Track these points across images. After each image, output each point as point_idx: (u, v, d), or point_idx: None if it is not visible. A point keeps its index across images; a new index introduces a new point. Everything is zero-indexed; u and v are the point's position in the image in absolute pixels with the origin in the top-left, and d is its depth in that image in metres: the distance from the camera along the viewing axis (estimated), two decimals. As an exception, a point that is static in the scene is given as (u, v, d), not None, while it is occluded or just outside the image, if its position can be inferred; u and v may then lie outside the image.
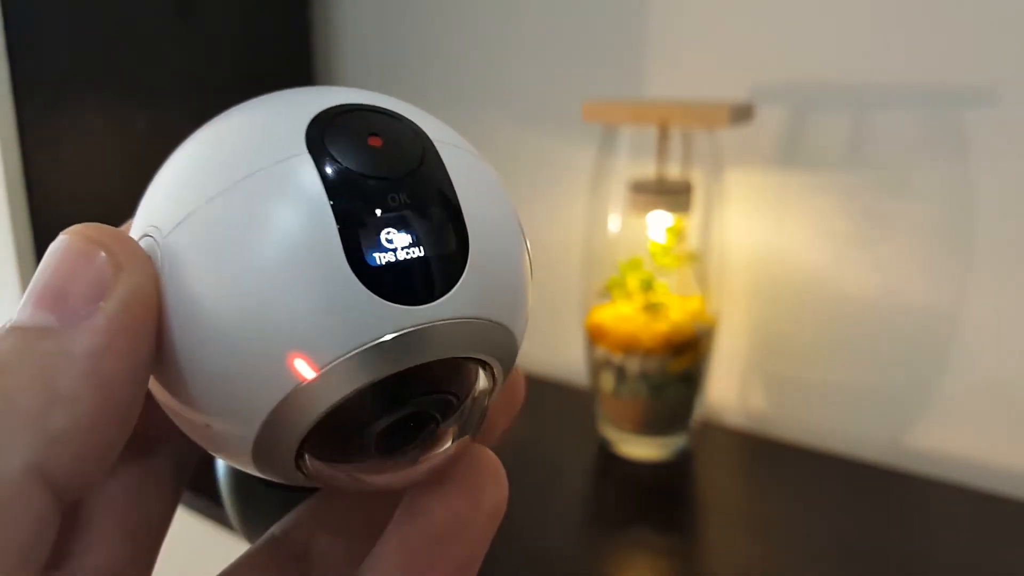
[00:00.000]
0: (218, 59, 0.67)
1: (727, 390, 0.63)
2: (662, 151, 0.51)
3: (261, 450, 0.12)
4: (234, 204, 0.11)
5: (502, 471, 0.14)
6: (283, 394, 0.11)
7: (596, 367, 0.55)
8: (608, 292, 0.54)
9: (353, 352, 0.11)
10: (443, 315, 0.11)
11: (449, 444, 0.13)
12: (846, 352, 0.58)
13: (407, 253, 0.11)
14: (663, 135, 0.51)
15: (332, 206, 0.11)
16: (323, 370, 0.11)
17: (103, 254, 0.11)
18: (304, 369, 0.11)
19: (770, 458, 0.57)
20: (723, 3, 0.57)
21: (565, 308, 0.66)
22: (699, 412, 0.56)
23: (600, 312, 0.55)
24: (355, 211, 0.11)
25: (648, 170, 0.52)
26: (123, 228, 0.14)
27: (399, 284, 0.11)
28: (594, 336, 0.54)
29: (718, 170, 0.54)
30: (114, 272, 0.11)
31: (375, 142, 0.12)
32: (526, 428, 0.59)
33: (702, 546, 0.47)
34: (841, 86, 0.54)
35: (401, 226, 0.11)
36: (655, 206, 0.51)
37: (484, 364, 0.13)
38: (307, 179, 0.11)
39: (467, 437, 0.13)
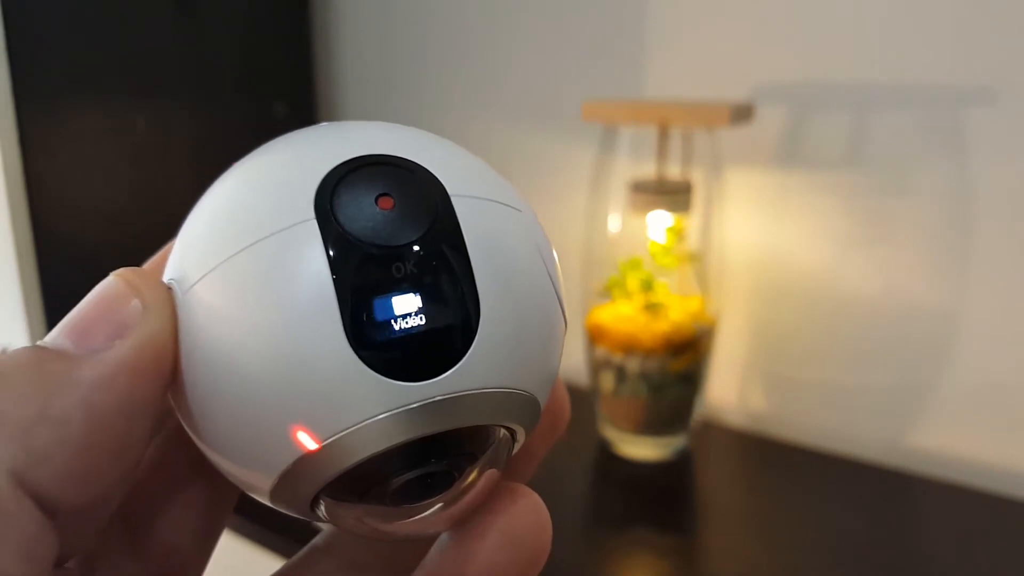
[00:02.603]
0: (218, 59, 0.67)
1: (727, 390, 0.63)
2: (662, 151, 0.51)
3: (278, 500, 0.12)
4: (241, 272, 0.11)
5: (545, 517, 0.14)
6: (289, 462, 0.11)
7: (596, 367, 0.55)
8: (608, 292, 0.54)
9: (354, 427, 0.11)
10: (448, 390, 0.11)
11: (468, 495, 0.13)
12: (846, 352, 0.58)
13: (410, 327, 0.11)
14: (663, 135, 0.51)
15: (334, 280, 0.11)
16: (325, 443, 0.11)
17: (136, 299, 0.12)
18: (307, 441, 0.11)
19: (770, 458, 0.57)
20: (723, 3, 0.57)
21: (565, 308, 0.66)
22: (699, 412, 0.56)
23: (600, 312, 0.55)
24: (357, 284, 0.11)
25: (648, 170, 0.52)
26: (160, 255, 0.14)
27: (401, 360, 0.11)
28: (594, 336, 0.54)
29: (718, 170, 0.54)
30: (137, 315, 0.12)
31: (385, 204, 0.12)
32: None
33: (702, 546, 0.47)
34: (841, 86, 0.54)
35: (404, 298, 0.11)
36: (655, 206, 0.51)
37: (506, 428, 0.13)
38: (311, 249, 0.11)
39: (488, 483, 0.13)
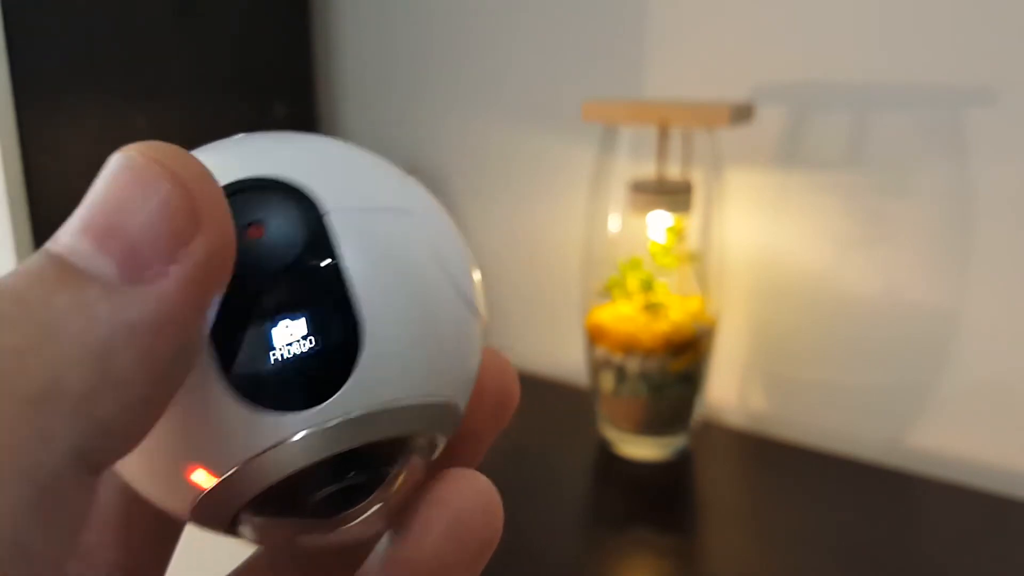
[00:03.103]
0: (218, 59, 0.67)
1: (727, 390, 0.63)
2: (662, 151, 0.51)
3: (201, 526, 0.12)
4: None
5: (495, 502, 0.13)
6: (193, 498, 0.11)
7: (596, 367, 0.55)
8: (608, 292, 0.54)
9: (243, 463, 0.11)
10: (337, 413, 0.11)
11: (391, 500, 0.13)
12: (846, 352, 0.58)
13: (289, 356, 0.11)
14: (663, 135, 0.51)
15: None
16: (221, 479, 0.11)
17: (181, 195, 0.09)
18: (202, 480, 0.11)
19: (770, 458, 0.57)
20: (723, 3, 0.57)
21: (565, 308, 0.66)
22: (699, 412, 0.56)
23: (600, 312, 0.55)
24: (227, 318, 0.11)
25: (648, 170, 0.52)
26: None
27: (281, 391, 0.11)
28: (594, 336, 0.54)
29: (718, 170, 0.54)
30: (192, 226, 0.09)
31: (255, 233, 0.11)
32: (526, 428, 0.59)
33: (702, 546, 0.47)
34: (841, 86, 0.54)
35: (280, 328, 0.11)
36: (655, 206, 0.51)
37: (418, 437, 0.13)
38: None
39: (412, 483, 0.13)
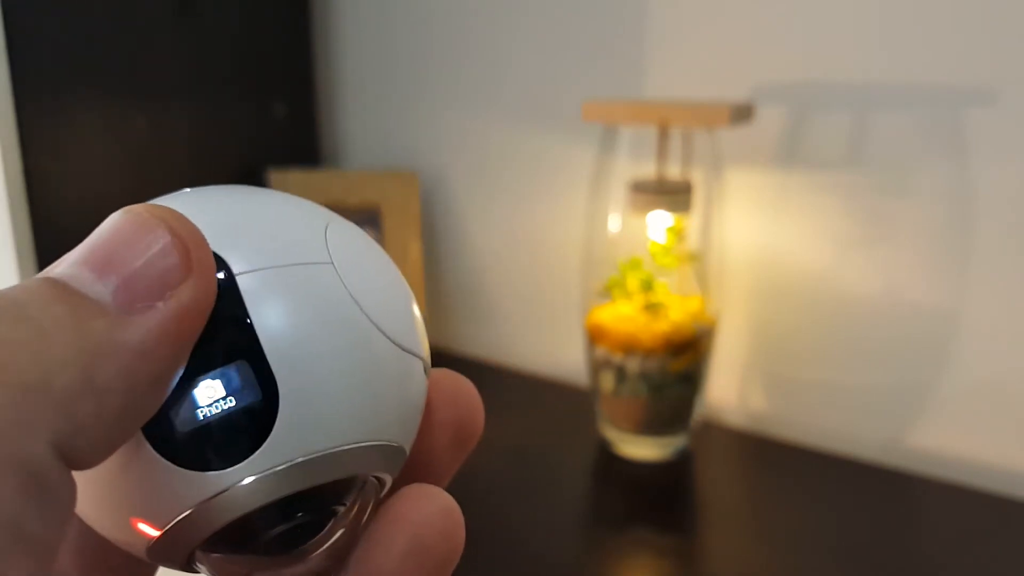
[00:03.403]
0: (218, 59, 0.67)
1: (727, 390, 0.63)
2: (662, 151, 0.51)
3: (155, 561, 0.13)
4: None
5: (454, 518, 0.14)
6: (144, 546, 0.12)
7: (596, 367, 0.55)
8: (608, 292, 0.54)
9: (181, 516, 0.11)
10: (261, 468, 0.11)
11: (338, 535, 0.13)
12: (846, 352, 0.58)
13: (206, 418, 0.11)
14: (663, 135, 0.51)
15: None
16: (164, 531, 0.12)
17: (178, 245, 0.11)
18: (148, 530, 0.12)
19: (770, 458, 0.57)
20: (723, 3, 0.57)
21: (565, 308, 0.66)
22: (699, 412, 0.56)
23: (600, 312, 0.55)
24: None
25: (648, 170, 0.52)
26: None
27: (203, 450, 0.11)
28: (594, 336, 0.54)
29: (718, 170, 0.54)
30: (183, 273, 0.11)
31: None
32: (526, 428, 0.59)
33: (702, 546, 0.47)
34: (841, 86, 0.54)
35: (195, 390, 0.11)
36: (655, 206, 0.51)
37: (360, 476, 0.13)
38: None
39: (359, 517, 0.13)
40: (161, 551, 0.12)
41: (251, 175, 0.70)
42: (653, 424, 0.54)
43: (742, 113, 0.50)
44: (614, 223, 0.55)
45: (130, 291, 0.10)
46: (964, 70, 0.50)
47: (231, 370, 0.11)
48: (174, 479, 0.11)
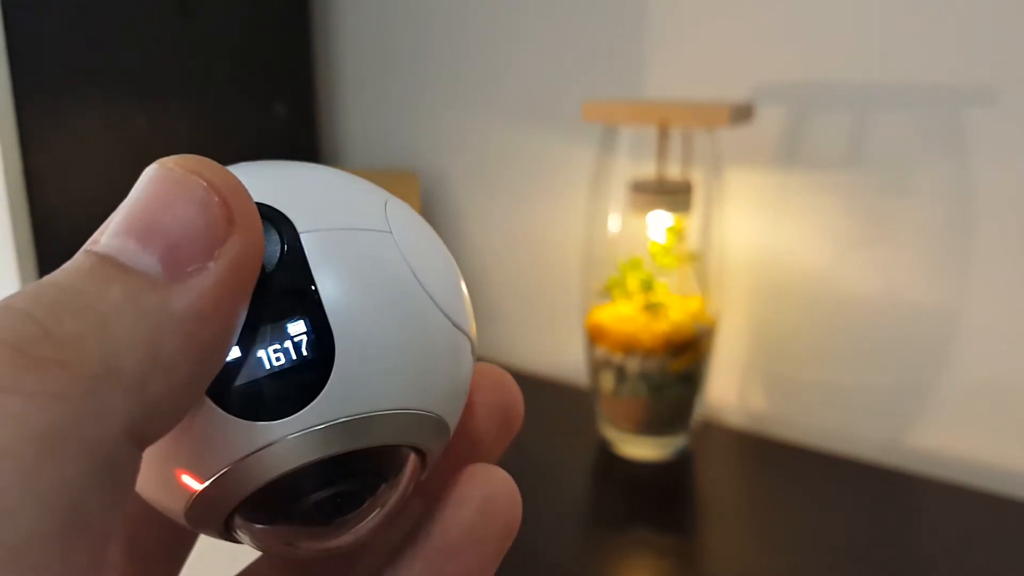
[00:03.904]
0: (218, 59, 0.67)
1: (727, 390, 0.63)
2: (662, 151, 0.51)
3: (195, 528, 0.13)
4: None
5: (516, 490, 0.14)
6: (186, 500, 0.12)
7: (596, 367, 0.55)
8: (608, 292, 0.54)
9: (227, 468, 0.11)
10: (313, 423, 0.11)
11: (379, 511, 0.13)
12: (846, 352, 0.58)
13: (262, 369, 0.11)
14: (663, 135, 0.51)
15: None
16: (207, 483, 0.12)
17: (217, 201, 0.10)
18: (191, 483, 0.12)
19: (770, 458, 0.57)
20: (723, 3, 0.57)
21: (565, 308, 0.66)
22: (699, 412, 0.56)
23: (600, 312, 0.55)
24: None
25: (648, 170, 0.52)
26: None
27: (257, 401, 0.11)
28: (594, 336, 0.54)
29: (718, 170, 0.54)
30: (227, 227, 0.10)
31: None
32: (526, 428, 0.59)
33: (702, 546, 0.47)
34: (841, 86, 0.54)
35: (251, 342, 0.11)
36: (655, 206, 0.51)
37: (406, 447, 0.13)
38: None
39: (399, 501, 0.13)
40: (201, 509, 0.12)
41: (251, 175, 0.70)
42: (653, 424, 0.54)
43: (742, 113, 0.50)
44: (614, 223, 0.55)
45: (177, 257, 0.10)
46: (964, 70, 0.50)
47: (292, 325, 0.11)
48: (226, 429, 0.11)
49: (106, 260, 0.10)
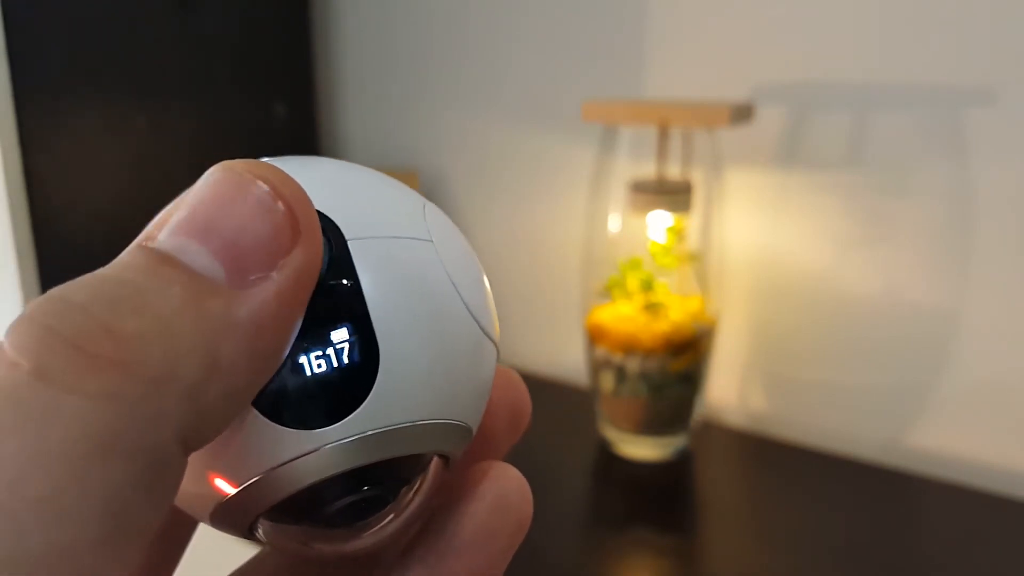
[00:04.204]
0: (218, 58, 0.67)
1: (727, 390, 0.63)
2: (662, 151, 0.51)
3: (219, 527, 0.13)
4: None
5: (527, 488, 0.14)
6: (214, 503, 0.12)
7: (596, 367, 0.55)
8: (608, 292, 0.54)
9: (262, 475, 0.11)
10: (351, 432, 0.11)
11: (401, 515, 0.13)
12: (846, 352, 0.58)
13: (305, 377, 0.11)
14: (663, 135, 0.51)
15: None
16: (240, 488, 0.11)
17: (283, 209, 0.10)
18: (224, 486, 0.12)
19: (770, 458, 0.57)
20: (723, 3, 0.57)
21: (565, 308, 0.66)
22: (699, 412, 0.56)
23: (600, 312, 0.55)
24: None
25: (648, 170, 0.52)
26: None
27: (298, 409, 0.11)
28: (594, 336, 0.54)
29: (718, 170, 0.54)
30: (292, 237, 0.10)
31: None
32: (527, 428, 0.59)
33: (702, 546, 0.47)
34: (841, 86, 0.54)
35: (297, 352, 0.11)
36: (655, 206, 0.51)
37: (432, 454, 0.13)
38: None
39: (426, 500, 0.14)
40: (228, 513, 0.12)
41: (251, 175, 0.70)
42: (653, 424, 0.54)
43: (742, 113, 0.50)
44: (614, 223, 0.55)
45: (241, 264, 0.10)
46: (964, 70, 0.50)
47: (337, 333, 0.11)
48: (265, 435, 0.11)
49: (166, 259, 0.10)
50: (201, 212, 0.10)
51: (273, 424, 0.11)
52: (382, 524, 0.13)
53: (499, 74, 0.69)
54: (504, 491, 0.14)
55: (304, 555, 0.14)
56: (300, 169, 0.13)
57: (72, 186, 0.58)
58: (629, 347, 0.52)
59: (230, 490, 0.11)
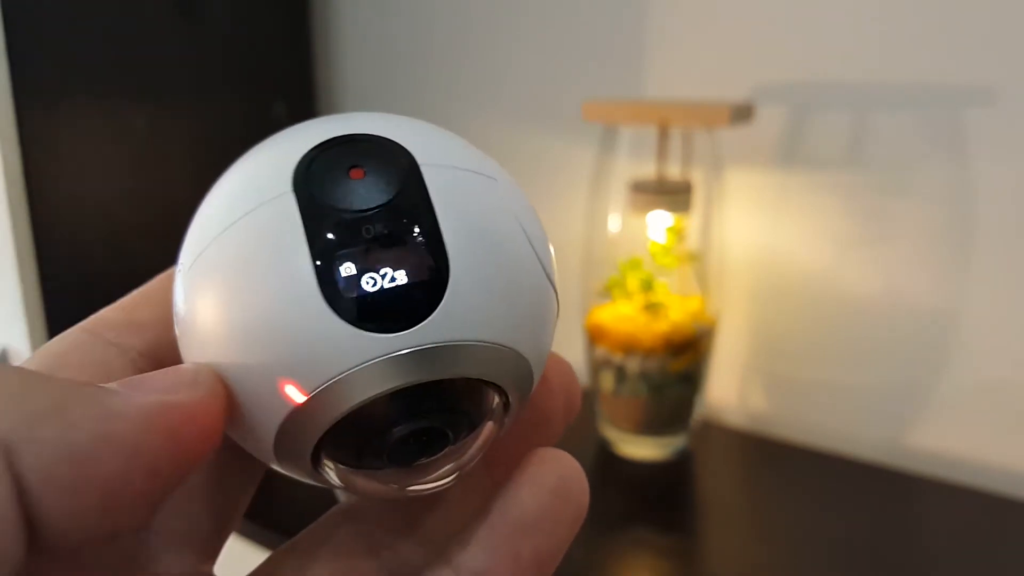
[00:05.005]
0: (218, 59, 0.67)
1: (727, 390, 0.63)
2: (662, 151, 0.51)
3: (282, 459, 0.13)
4: (228, 246, 0.12)
5: (585, 479, 0.15)
6: (283, 415, 0.12)
7: (596, 367, 0.55)
8: (608, 292, 0.54)
9: (335, 379, 0.12)
10: (421, 341, 0.12)
11: (470, 451, 0.14)
12: (846, 352, 0.58)
13: (381, 283, 0.12)
14: (663, 135, 0.51)
15: (308, 243, 0.12)
16: (311, 395, 0.12)
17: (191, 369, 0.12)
18: (295, 394, 0.12)
19: (770, 458, 0.57)
20: (723, 3, 0.57)
21: (565, 308, 0.66)
22: (699, 412, 0.56)
23: (600, 312, 0.55)
24: (330, 246, 0.12)
25: (648, 170, 0.52)
26: (158, 280, 0.15)
27: (374, 314, 0.12)
28: (594, 336, 0.54)
29: (718, 170, 0.54)
30: (192, 379, 0.12)
31: (356, 174, 0.13)
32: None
33: (702, 546, 0.47)
34: (841, 86, 0.54)
35: (373, 257, 0.12)
36: (655, 206, 0.51)
37: (494, 386, 0.13)
38: (287, 218, 0.12)
39: (486, 442, 0.14)
40: (296, 429, 0.12)
41: (251, 175, 0.70)
42: (653, 424, 0.54)
43: (742, 113, 0.50)
44: (614, 223, 0.55)
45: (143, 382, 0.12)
46: (964, 70, 0.50)
47: (413, 247, 0.12)
48: (341, 339, 0.12)
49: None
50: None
51: (349, 327, 0.12)
52: (441, 466, 0.13)
53: (499, 74, 0.69)
54: (566, 476, 0.14)
55: (363, 493, 0.14)
56: (372, 115, 0.14)
57: (72, 186, 0.58)
58: (629, 347, 0.52)
59: (301, 398, 0.12)
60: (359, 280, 0.12)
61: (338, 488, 0.14)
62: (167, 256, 0.15)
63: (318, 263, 0.12)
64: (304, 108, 0.77)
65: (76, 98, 0.57)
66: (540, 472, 0.14)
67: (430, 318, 0.12)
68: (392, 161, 0.13)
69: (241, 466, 0.16)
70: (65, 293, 0.56)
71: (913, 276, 0.54)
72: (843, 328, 0.57)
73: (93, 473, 0.11)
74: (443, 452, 0.13)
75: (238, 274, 0.12)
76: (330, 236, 0.12)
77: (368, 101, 0.78)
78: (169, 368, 0.12)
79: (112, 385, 0.11)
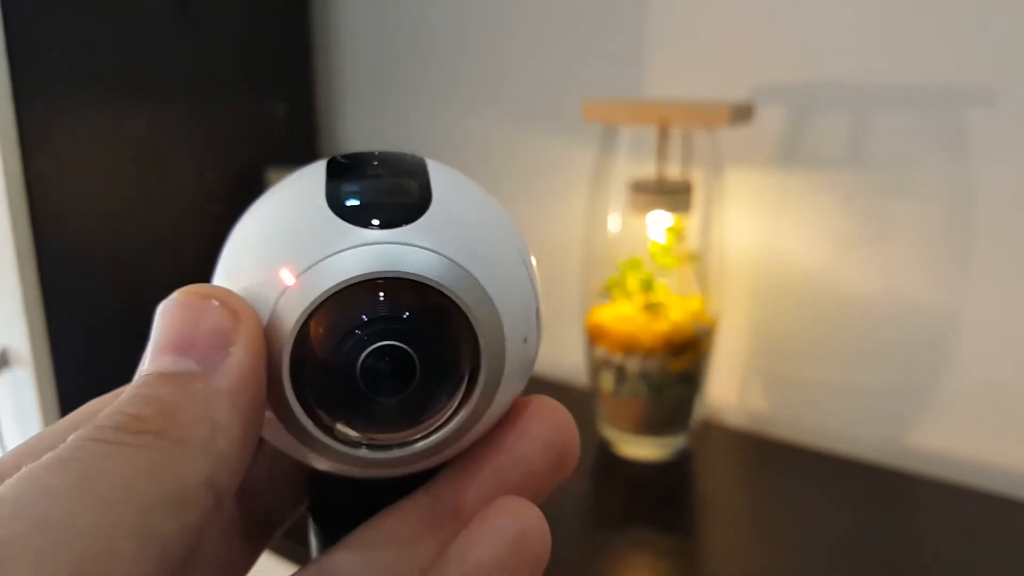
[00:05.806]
0: (218, 59, 0.67)
1: (727, 390, 0.63)
2: (662, 151, 0.51)
3: (273, 348, 0.15)
4: (281, 193, 0.16)
5: (548, 530, 0.15)
6: (279, 293, 0.14)
7: (596, 367, 0.55)
8: (608, 292, 0.54)
9: (321, 261, 0.14)
10: (401, 239, 0.14)
11: (452, 418, 0.15)
12: (846, 352, 0.58)
13: (375, 197, 0.15)
14: (663, 135, 0.51)
15: (327, 173, 0.16)
16: (300, 275, 0.14)
17: (216, 304, 0.14)
18: (287, 277, 0.14)
19: (770, 458, 0.57)
20: (723, 3, 0.57)
21: (565, 308, 0.66)
22: (699, 412, 0.56)
23: (600, 312, 0.55)
24: (341, 173, 0.16)
25: (648, 170, 0.52)
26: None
27: (366, 215, 0.14)
28: (594, 336, 0.54)
29: (718, 170, 0.54)
30: (234, 322, 0.14)
31: (374, 152, 0.17)
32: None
33: (702, 546, 0.47)
34: (841, 86, 0.54)
35: (374, 179, 0.16)
36: (655, 206, 0.51)
37: (460, 318, 0.15)
38: (318, 169, 0.16)
39: (463, 416, 0.15)
40: (285, 315, 0.14)
41: (251, 175, 0.70)
42: (653, 424, 0.54)
43: (742, 113, 0.50)
44: (614, 223, 0.55)
45: (204, 354, 0.14)
46: (964, 70, 0.50)
47: (407, 182, 0.16)
48: (331, 229, 0.14)
49: (158, 375, 0.14)
50: (162, 335, 0.14)
51: (340, 220, 0.14)
52: (434, 426, 0.15)
53: (499, 74, 0.69)
54: (525, 529, 0.15)
55: (334, 451, 0.15)
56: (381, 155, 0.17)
57: (72, 186, 0.58)
58: (629, 347, 0.52)
59: (292, 280, 0.14)
60: (360, 194, 0.15)
61: (313, 440, 0.15)
62: (167, 255, 0.15)
63: (330, 183, 0.15)
64: (304, 108, 0.77)
65: (76, 98, 0.57)
66: (500, 523, 0.15)
67: (410, 225, 0.14)
68: (404, 152, 0.17)
69: (248, 532, 0.18)
70: (65, 293, 0.56)
71: (913, 276, 0.54)
72: (843, 328, 0.57)
73: (245, 443, 0.14)
74: (411, 388, 0.14)
75: (280, 200, 0.16)
76: (344, 170, 0.16)
77: (368, 101, 0.78)
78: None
79: (184, 367, 0.14)
